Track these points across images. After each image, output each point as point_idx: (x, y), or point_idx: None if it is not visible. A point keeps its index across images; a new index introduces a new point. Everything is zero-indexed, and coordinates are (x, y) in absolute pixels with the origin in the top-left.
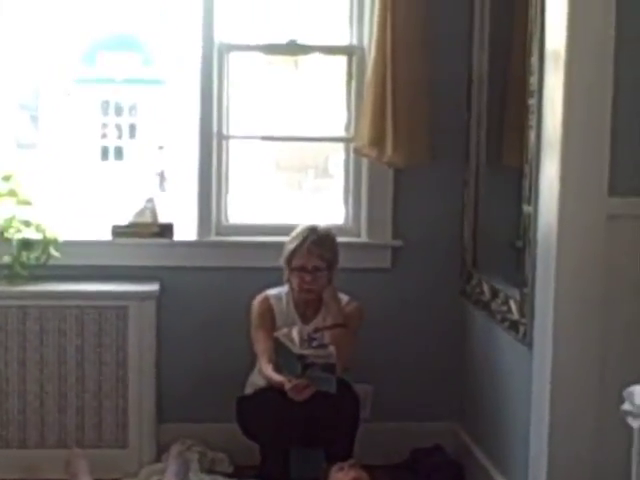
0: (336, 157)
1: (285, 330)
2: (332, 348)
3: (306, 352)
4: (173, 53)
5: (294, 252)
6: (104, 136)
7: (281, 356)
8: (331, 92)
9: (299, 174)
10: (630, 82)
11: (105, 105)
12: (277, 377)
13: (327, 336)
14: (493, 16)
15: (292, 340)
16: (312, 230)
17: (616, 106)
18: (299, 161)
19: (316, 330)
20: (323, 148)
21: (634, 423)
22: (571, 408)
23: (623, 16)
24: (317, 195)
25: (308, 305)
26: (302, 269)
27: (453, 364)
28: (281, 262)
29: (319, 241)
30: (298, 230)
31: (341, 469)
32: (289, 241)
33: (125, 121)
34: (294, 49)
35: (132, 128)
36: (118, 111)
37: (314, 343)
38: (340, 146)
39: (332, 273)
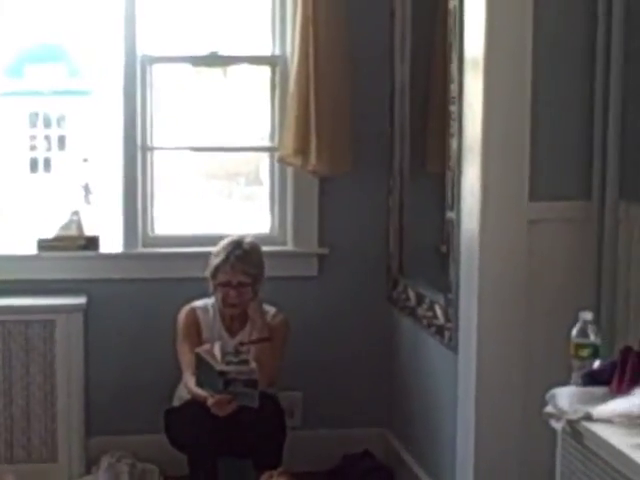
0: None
1: (207, 346)
2: (254, 364)
3: (227, 369)
4: (98, 64)
5: (218, 267)
6: (33, 148)
7: (203, 372)
8: (258, 101)
9: (230, 182)
10: (548, 88)
11: (34, 117)
12: (200, 392)
13: (252, 350)
14: (414, 26)
15: (214, 356)
16: (237, 244)
17: (535, 112)
18: (229, 169)
19: (241, 344)
20: (253, 156)
21: (557, 425)
22: (496, 411)
23: (540, 22)
24: (248, 203)
25: (234, 318)
26: (227, 285)
27: (381, 370)
28: (206, 274)
29: (244, 256)
30: (223, 244)
31: (270, 477)
32: (214, 255)
33: (54, 133)
34: (216, 60)
35: (61, 140)
36: (47, 123)
37: (236, 359)
38: (266, 155)
39: (257, 287)
